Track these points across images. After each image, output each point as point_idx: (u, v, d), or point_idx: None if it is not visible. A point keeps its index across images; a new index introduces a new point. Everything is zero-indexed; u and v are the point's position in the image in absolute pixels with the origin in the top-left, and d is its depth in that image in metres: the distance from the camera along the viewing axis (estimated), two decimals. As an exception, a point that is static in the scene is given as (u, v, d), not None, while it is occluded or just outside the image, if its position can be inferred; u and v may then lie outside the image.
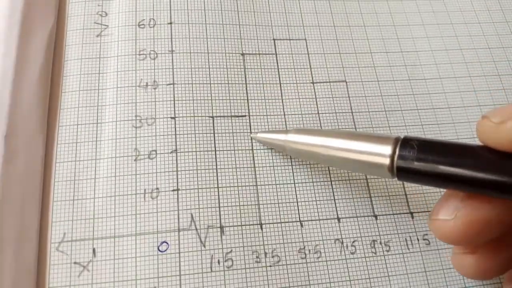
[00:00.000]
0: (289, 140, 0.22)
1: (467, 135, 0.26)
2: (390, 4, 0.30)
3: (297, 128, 0.23)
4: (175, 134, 0.24)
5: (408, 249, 0.23)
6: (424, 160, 0.16)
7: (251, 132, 0.24)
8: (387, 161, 0.17)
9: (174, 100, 0.25)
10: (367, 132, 0.25)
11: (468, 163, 0.16)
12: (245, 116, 0.25)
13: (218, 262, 0.21)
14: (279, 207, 0.23)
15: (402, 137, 0.18)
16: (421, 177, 0.17)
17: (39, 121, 0.23)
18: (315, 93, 0.26)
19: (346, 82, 0.27)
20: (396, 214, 0.24)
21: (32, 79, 0.24)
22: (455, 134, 0.26)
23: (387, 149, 0.17)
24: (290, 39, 0.28)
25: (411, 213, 0.24)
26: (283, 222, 0.23)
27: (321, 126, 0.25)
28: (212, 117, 0.24)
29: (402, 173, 0.17)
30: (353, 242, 0.23)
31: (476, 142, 0.17)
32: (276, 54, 0.27)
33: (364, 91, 0.27)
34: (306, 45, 0.28)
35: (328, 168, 0.24)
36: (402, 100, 0.27)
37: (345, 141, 0.19)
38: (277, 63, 0.27)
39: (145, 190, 0.22)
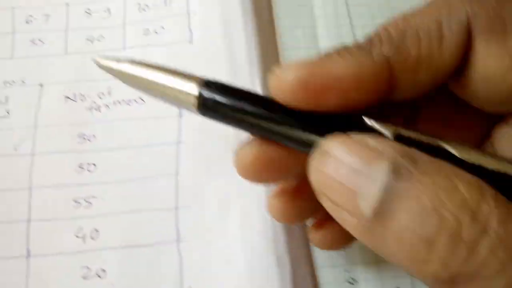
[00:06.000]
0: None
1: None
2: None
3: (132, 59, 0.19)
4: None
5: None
6: (229, 95, 0.17)
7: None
8: (195, 89, 0.17)
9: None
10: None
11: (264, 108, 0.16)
12: None
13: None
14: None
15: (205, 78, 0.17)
16: (225, 111, 0.17)
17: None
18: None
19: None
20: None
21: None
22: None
23: (195, 79, 0.17)
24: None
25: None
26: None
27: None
28: None
29: (208, 102, 0.17)
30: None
31: None
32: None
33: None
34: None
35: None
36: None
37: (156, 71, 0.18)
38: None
39: None
